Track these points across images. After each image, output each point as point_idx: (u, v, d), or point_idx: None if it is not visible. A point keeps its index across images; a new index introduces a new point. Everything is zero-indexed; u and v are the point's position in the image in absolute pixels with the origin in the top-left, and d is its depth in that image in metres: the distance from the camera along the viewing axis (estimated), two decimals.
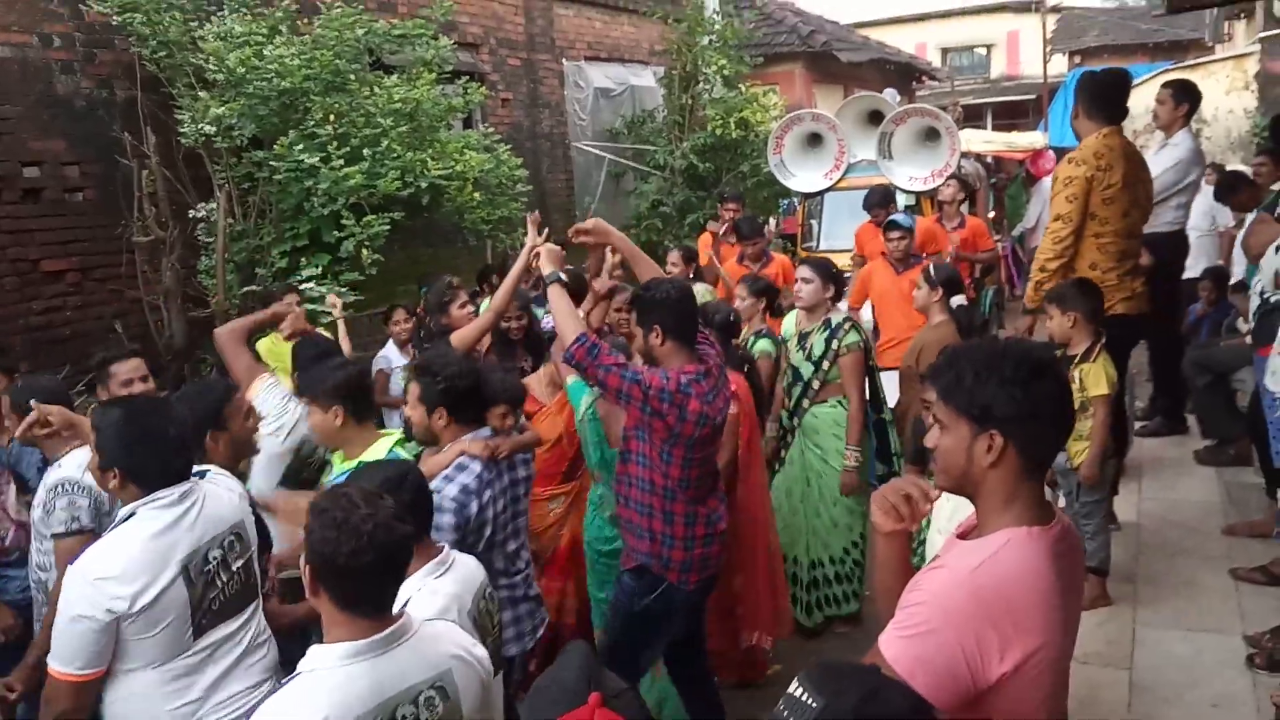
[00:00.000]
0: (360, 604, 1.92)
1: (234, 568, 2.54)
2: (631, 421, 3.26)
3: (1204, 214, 7.04)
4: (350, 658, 1.88)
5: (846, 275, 8.18)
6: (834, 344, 4.69)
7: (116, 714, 2.41)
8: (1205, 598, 4.35)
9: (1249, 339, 5.61)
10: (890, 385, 5.22)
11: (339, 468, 3.17)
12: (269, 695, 2.42)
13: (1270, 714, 3.46)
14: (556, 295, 3.27)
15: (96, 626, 2.28)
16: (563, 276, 3.40)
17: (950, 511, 3.06)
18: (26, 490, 3.44)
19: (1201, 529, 5.09)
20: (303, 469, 3.65)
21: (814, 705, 1.30)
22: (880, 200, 7.35)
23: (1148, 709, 3.63)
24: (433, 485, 2.87)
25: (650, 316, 3.26)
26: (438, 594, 2.36)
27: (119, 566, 2.32)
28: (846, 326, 4.74)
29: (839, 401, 4.72)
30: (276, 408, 3.58)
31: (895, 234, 6.26)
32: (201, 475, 2.61)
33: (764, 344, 4.85)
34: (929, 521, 3.12)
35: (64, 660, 2.31)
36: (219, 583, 2.49)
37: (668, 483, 3.21)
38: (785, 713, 1.32)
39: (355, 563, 1.86)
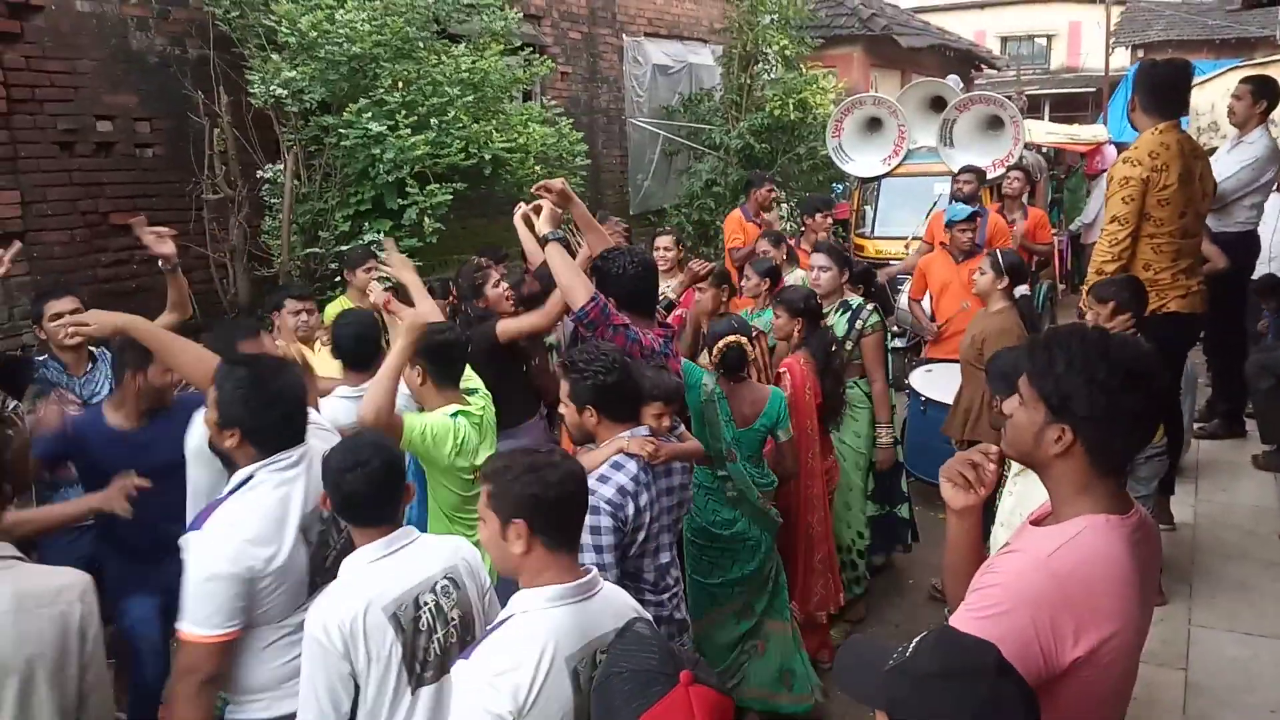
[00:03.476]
0: (567, 543, 2.09)
1: (342, 524, 2.55)
2: None
3: None
4: (558, 600, 2.01)
5: (896, 264, 8.20)
6: (857, 324, 4.73)
7: (249, 669, 2.43)
8: (1262, 602, 4.32)
9: None
10: (951, 375, 5.20)
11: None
12: None
13: None
14: (556, 253, 3.27)
15: (237, 584, 2.30)
16: (562, 235, 3.38)
17: (1012, 505, 3.05)
18: None
19: (1258, 533, 5.04)
20: None
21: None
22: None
23: (1204, 711, 3.61)
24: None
25: (606, 287, 3.30)
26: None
27: (253, 529, 2.35)
28: (870, 308, 4.76)
29: (855, 382, 4.76)
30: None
31: (965, 225, 6.19)
32: None
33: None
34: (991, 515, 3.11)
35: (202, 622, 2.29)
36: (332, 541, 2.53)
37: None
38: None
39: (565, 501, 2.06)
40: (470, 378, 3.48)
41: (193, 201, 6.12)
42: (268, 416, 2.45)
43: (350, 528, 2.40)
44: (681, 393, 3.32)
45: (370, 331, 3.75)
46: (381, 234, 5.95)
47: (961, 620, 1.70)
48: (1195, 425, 6.29)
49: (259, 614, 2.39)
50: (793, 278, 5.52)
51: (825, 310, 4.75)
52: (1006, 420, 2.32)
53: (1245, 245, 5.73)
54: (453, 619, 2.35)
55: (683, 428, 3.36)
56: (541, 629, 1.98)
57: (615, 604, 2.18)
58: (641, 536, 2.90)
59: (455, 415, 3.24)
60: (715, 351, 3.75)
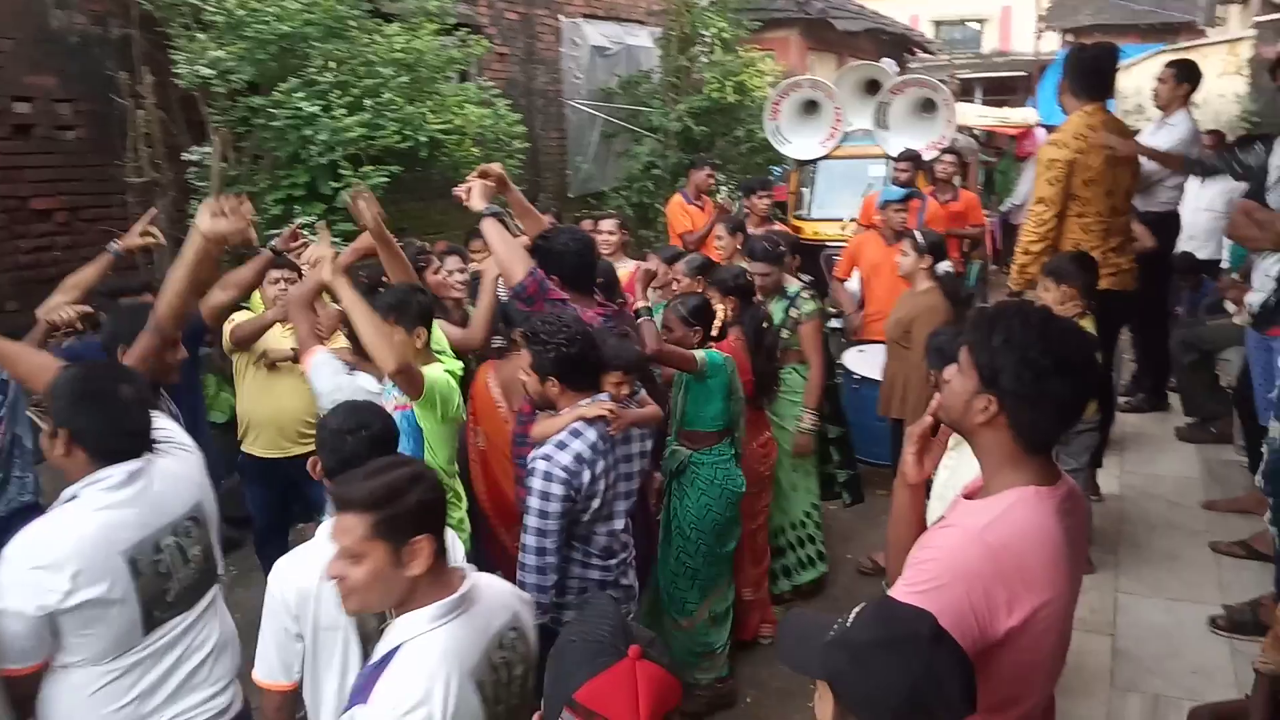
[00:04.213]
0: (444, 552, 1.98)
1: (190, 554, 2.36)
2: None
3: (1221, 194, 6.87)
4: (445, 616, 1.91)
5: (834, 246, 8.27)
6: (792, 312, 4.77)
7: (55, 713, 2.22)
8: (1186, 570, 4.46)
9: (1237, 319, 5.71)
10: (878, 355, 5.27)
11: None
12: (233, 702, 2.44)
13: (1248, 683, 3.56)
14: (492, 228, 3.28)
15: (25, 622, 2.08)
16: (498, 209, 3.39)
17: (946, 478, 3.10)
18: None
19: (1182, 503, 5.21)
20: None
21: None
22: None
23: (1131, 676, 3.73)
24: (544, 451, 2.89)
25: (548, 266, 3.34)
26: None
27: (54, 555, 2.11)
28: (805, 295, 4.81)
29: (794, 368, 4.81)
30: (330, 385, 3.36)
31: (899, 206, 6.26)
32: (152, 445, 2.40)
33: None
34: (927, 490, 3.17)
35: None
36: (174, 573, 2.30)
37: None
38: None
39: (444, 505, 2.01)
40: (439, 342, 3.53)
41: (117, 185, 5.95)
42: (97, 417, 2.24)
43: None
44: (643, 362, 3.40)
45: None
46: (316, 218, 5.85)
47: (900, 595, 1.74)
48: (1121, 399, 6.47)
49: (76, 650, 2.18)
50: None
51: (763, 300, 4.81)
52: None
53: (1167, 225, 5.89)
54: None
55: (643, 393, 3.41)
56: (438, 652, 1.87)
57: (500, 596, 2.13)
58: (596, 504, 2.97)
59: (445, 371, 3.33)
60: (718, 324, 3.96)
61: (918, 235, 4.97)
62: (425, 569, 1.88)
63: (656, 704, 1.48)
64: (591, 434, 2.96)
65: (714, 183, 7.42)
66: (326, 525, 2.31)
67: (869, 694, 1.38)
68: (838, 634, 1.44)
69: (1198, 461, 5.76)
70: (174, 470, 2.40)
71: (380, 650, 1.92)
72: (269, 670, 2.27)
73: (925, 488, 2.11)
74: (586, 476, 2.91)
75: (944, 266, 5.17)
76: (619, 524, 3.12)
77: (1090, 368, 1.82)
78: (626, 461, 3.16)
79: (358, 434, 2.34)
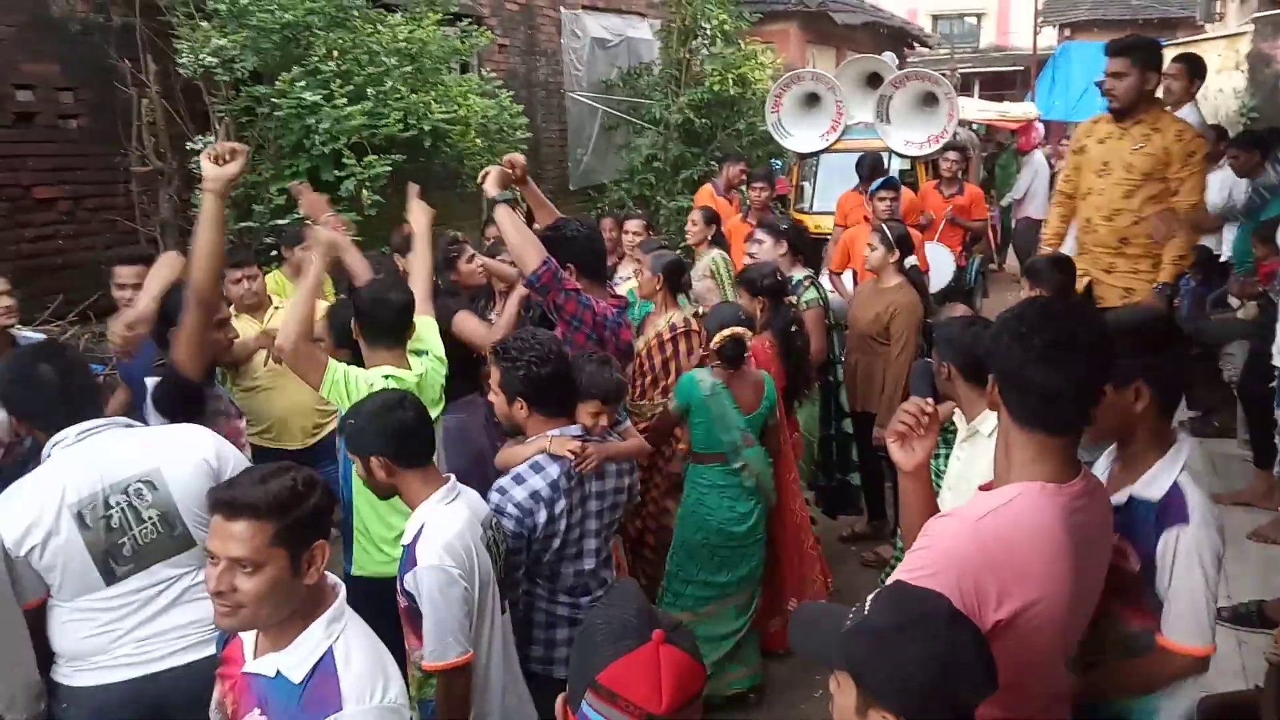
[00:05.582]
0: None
1: (146, 516, 2.47)
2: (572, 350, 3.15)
3: (1218, 190, 6.85)
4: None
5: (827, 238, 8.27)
6: (793, 301, 4.71)
7: (53, 634, 2.47)
8: None
9: (1240, 314, 5.72)
10: None
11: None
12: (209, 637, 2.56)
13: (1255, 673, 3.57)
14: (505, 216, 3.20)
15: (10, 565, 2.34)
16: (511, 196, 3.35)
17: (959, 470, 3.11)
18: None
19: None
20: None
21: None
22: (873, 168, 7.26)
23: None
24: (500, 484, 2.78)
25: (562, 254, 3.26)
26: (456, 518, 2.46)
27: (18, 504, 2.39)
28: (806, 284, 4.78)
29: None
30: None
31: (885, 193, 6.23)
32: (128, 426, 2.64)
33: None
34: (940, 479, 3.17)
35: None
36: (127, 529, 2.45)
37: None
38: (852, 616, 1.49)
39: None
40: (421, 339, 3.33)
41: (121, 174, 5.94)
42: (27, 399, 2.53)
43: (402, 474, 2.47)
44: (623, 391, 3.20)
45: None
46: None
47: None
48: None
49: (53, 588, 2.43)
50: (703, 261, 5.38)
51: None
52: (951, 385, 2.43)
53: None
54: (502, 552, 2.63)
55: (628, 424, 3.26)
56: (369, 636, 1.94)
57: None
58: (556, 544, 2.81)
59: (386, 378, 3.06)
60: (715, 342, 3.72)
61: (886, 229, 4.89)
62: (319, 576, 1.84)
63: (679, 688, 1.47)
64: (554, 470, 2.77)
65: (745, 178, 7.47)
66: (424, 508, 2.47)
67: (894, 677, 1.39)
68: (855, 621, 1.45)
69: (1201, 455, 5.76)
70: (138, 439, 2.60)
71: (293, 669, 1.81)
72: (451, 647, 2.32)
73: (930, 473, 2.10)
74: (543, 516, 2.74)
75: (911, 261, 5.13)
76: (589, 564, 2.91)
77: (1086, 350, 1.75)
78: (599, 498, 2.95)
79: (403, 407, 2.46)
